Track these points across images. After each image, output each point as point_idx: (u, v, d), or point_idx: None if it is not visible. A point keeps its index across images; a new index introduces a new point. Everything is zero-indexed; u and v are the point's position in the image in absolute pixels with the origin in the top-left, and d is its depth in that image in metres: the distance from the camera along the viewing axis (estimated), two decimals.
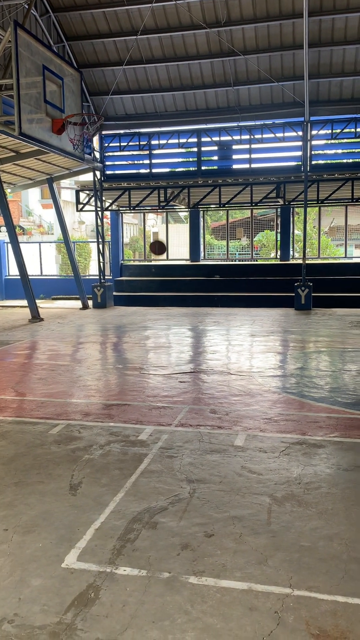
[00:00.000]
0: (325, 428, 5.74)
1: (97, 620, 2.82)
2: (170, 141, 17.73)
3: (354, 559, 3.33)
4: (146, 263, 23.22)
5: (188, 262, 21.95)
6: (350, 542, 3.51)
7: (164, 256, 23.10)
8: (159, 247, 7.46)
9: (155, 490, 4.28)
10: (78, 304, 19.02)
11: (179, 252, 23.57)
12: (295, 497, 4.14)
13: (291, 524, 3.75)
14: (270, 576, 3.17)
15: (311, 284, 16.83)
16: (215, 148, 17.62)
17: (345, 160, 17.42)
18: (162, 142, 17.82)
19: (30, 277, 15.81)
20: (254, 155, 17.26)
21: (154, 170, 18.12)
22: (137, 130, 18.00)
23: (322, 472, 4.61)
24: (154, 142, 17.84)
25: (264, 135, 16.95)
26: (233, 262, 23.44)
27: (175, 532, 3.65)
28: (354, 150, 17.11)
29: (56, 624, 2.81)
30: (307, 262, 17.39)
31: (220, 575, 3.19)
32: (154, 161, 18.07)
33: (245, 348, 10.65)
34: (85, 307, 18.27)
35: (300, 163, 16.88)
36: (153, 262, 23.28)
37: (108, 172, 18.43)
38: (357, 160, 16.99)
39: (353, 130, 16.52)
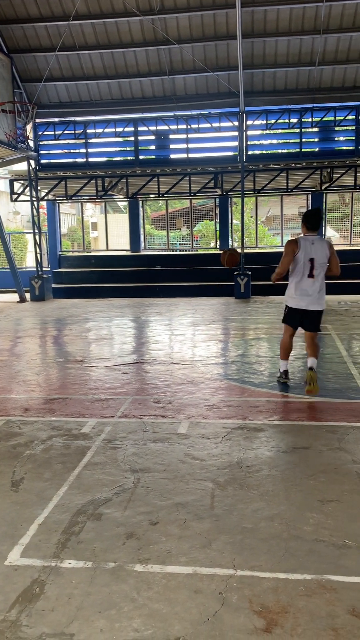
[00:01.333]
0: (265, 412, 5.90)
1: (43, 615, 2.80)
2: (106, 130, 17.50)
3: (293, 536, 3.46)
4: (85, 254, 22.93)
5: (129, 253, 21.85)
6: (290, 521, 3.64)
7: (103, 246, 22.88)
8: (229, 259, 7.40)
9: (99, 482, 4.27)
10: (15, 297, 18.51)
11: (119, 242, 23.38)
12: (237, 481, 4.24)
13: (234, 507, 3.85)
14: (214, 559, 3.24)
15: (250, 273, 17.15)
16: (153, 137, 17.55)
17: (280, 151, 17.80)
18: (99, 130, 17.57)
19: None
20: (191, 145, 17.33)
21: (90, 159, 17.85)
22: (72, 119, 17.64)
23: (262, 455, 4.75)
24: (89, 130, 17.55)
25: (201, 125, 17.04)
26: (174, 252, 23.52)
27: (120, 522, 3.66)
28: (288, 140, 17.49)
29: (0, 622, 2.76)
30: (245, 251, 17.70)
31: (165, 561, 3.23)
32: (90, 150, 17.79)
33: (188, 337, 10.74)
34: (22, 300, 17.82)
35: (236, 153, 17.10)
36: (92, 253, 23.01)
37: (43, 161, 17.99)
38: (291, 150, 17.39)
39: (287, 120, 16.87)
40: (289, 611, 2.79)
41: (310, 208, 20.87)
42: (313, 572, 3.10)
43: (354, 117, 16.55)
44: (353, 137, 16.80)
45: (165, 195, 19.73)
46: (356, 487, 4.08)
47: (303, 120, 16.76)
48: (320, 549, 3.32)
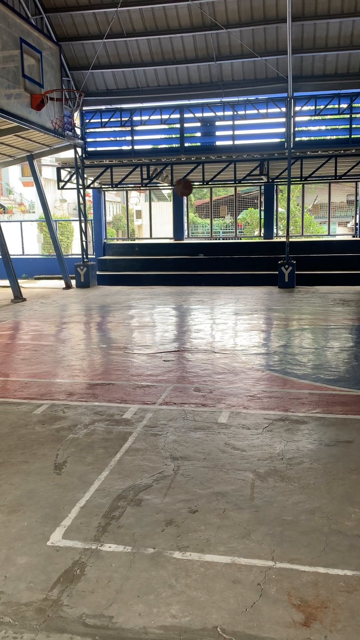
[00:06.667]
0: (307, 404, 5.81)
1: (83, 596, 2.86)
2: (152, 117, 17.46)
3: (334, 531, 3.40)
4: (129, 242, 23.06)
5: (172, 241, 21.85)
6: (332, 515, 3.58)
7: (147, 234, 22.94)
8: (183, 186, 7.82)
9: (140, 468, 4.32)
10: (61, 283, 18.87)
11: (162, 230, 23.41)
12: (278, 473, 4.20)
13: (274, 498, 3.82)
14: (253, 550, 3.23)
15: (294, 262, 16.87)
16: (198, 124, 17.40)
17: (328, 137, 17.33)
18: (144, 118, 17.54)
19: (12, 256, 15.60)
20: (237, 132, 17.09)
21: (136, 147, 17.87)
22: (118, 106, 17.69)
23: (304, 447, 4.68)
24: (135, 118, 17.55)
25: (247, 112, 16.76)
26: (217, 241, 23.37)
27: (159, 509, 3.69)
28: (337, 126, 17.01)
29: (42, 600, 2.84)
30: (290, 240, 17.40)
31: (204, 549, 3.24)
32: (136, 137, 17.80)
33: (229, 326, 10.68)
34: (68, 286, 18.13)
35: (283, 140, 16.76)
36: (136, 241, 23.13)
37: (89, 149, 18.14)
38: (340, 137, 16.91)
39: (336, 106, 16.40)
40: (328, 606, 2.76)
41: (358, 197, 20.30)
42: (354, 568, 3.05)
43: None
44: None
45: (210, 183, 19.57)
46: None
47: (354, 105, 16.25)
48: None
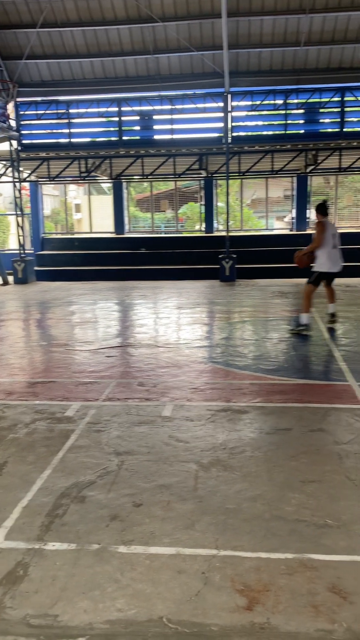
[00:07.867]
0: (248, 394, 5.94)
1: (27, 597, 2.82)
2: (89, 110, 17.19)
3: (275, 517, 3.51)
4: (69, 236, 22.69)
5: (113, 235, 21.68)
6: (272, 502, 3.69)
7: (87, 229, 22.66)
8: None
9: (83, 464, 4.28)
10: None
11: (103, 224, 23.14)
12: (221, 462, 4.28)
13: (217, 488, 3.88)
14: (197, 539, 3.28)
15: (235, 256, 17.13)
16: (137, 118, 17.30)
17: (265, 133, 17.66)
18: (82, 110, 17.24)
19: None
20: (175, 126, 17.11)
21: (73, 140, 17.53)
22: (54, 98, 17.29)
23: (246, 436, 4.79)
24: (72, 110, 17.22)
25: (185, 106, 16.82)
26: (159, 235, 23.38)
27: (104, 505, 3.68)
28: (273, 122, 17.34)
29: None
30: (230, 234, 17.65)
31: (149, 542, 3.26)
32: (73, 130, 17.46)
33: (172, 320, 10.73)
34: (5, 283, 17.62)
35: (221, 135, 16.94)
36: (76, 236, 22.79)
37: (25, 142, 17.63)
38: (276, 132, 17.24)
39: (272, 102, 16.72)
40: (270, 589, 2.84)
41: (294, 192, 20.85)
42: (294, 551, 3.15)
43: (339, 98, 16.46)
44: (338, 119, 16.72)
45: (150, 177, 19.55)
46: (337, 468, 4.14)
47: (288, 101, 16.63)
48: (302, 528, 3.37)
